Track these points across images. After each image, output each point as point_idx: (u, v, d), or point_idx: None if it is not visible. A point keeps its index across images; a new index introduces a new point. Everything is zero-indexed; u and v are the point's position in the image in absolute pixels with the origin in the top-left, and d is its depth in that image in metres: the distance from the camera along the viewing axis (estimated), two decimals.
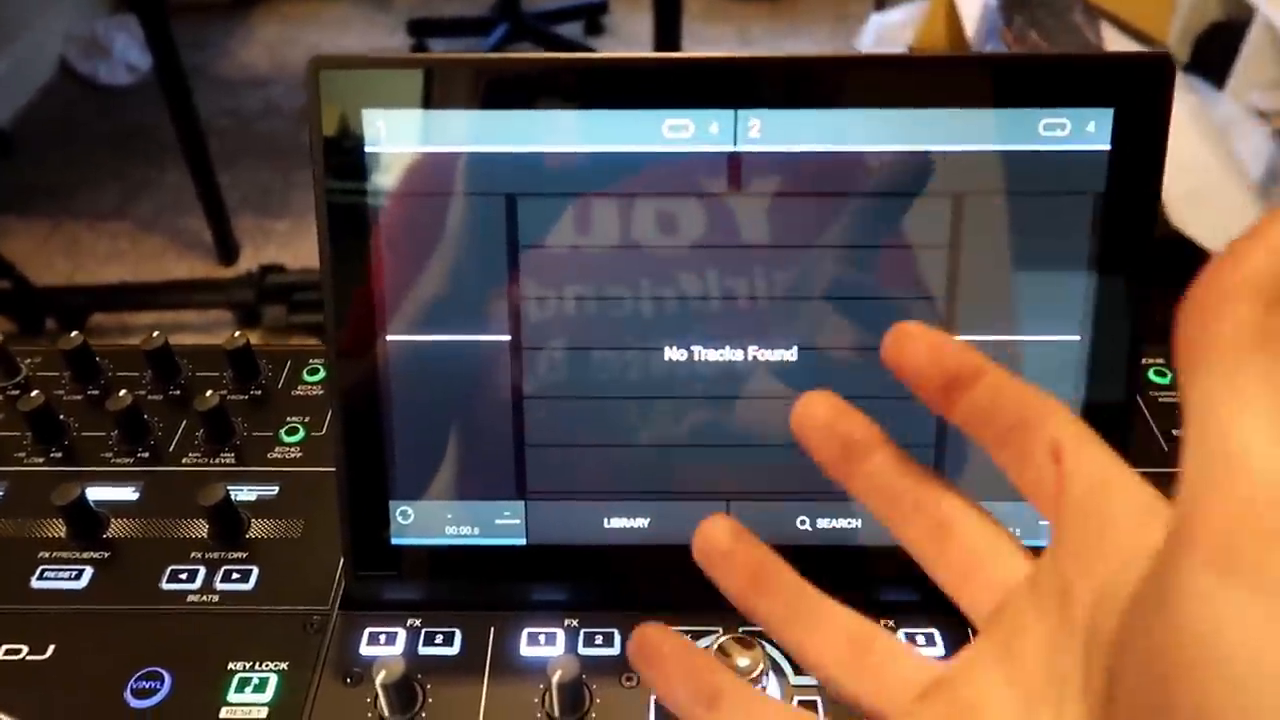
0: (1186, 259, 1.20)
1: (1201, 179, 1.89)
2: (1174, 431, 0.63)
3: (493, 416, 0.52)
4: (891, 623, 0.53)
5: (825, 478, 0.52)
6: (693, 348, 0.51)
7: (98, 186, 2.59)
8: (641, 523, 0.53)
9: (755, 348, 0.52)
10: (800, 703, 0.49)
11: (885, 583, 0.54)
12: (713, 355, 0.52)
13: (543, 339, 0.52)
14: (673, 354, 0.51)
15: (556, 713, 0.49)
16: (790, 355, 0.52)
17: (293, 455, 0.63)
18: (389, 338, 0.51)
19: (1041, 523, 0.51)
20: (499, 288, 0.51)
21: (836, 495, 0.52)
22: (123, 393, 0.63)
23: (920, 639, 0.52)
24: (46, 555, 0.57)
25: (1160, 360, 0.67)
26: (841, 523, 0.53)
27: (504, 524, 0.53)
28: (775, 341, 0.51)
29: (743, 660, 0.47)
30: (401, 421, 0.52)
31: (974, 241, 0.50)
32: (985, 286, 0.51)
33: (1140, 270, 0.50)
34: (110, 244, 2.43)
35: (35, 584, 0.55)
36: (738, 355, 0.52)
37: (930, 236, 0.50)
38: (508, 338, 0.51)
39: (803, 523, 0.53)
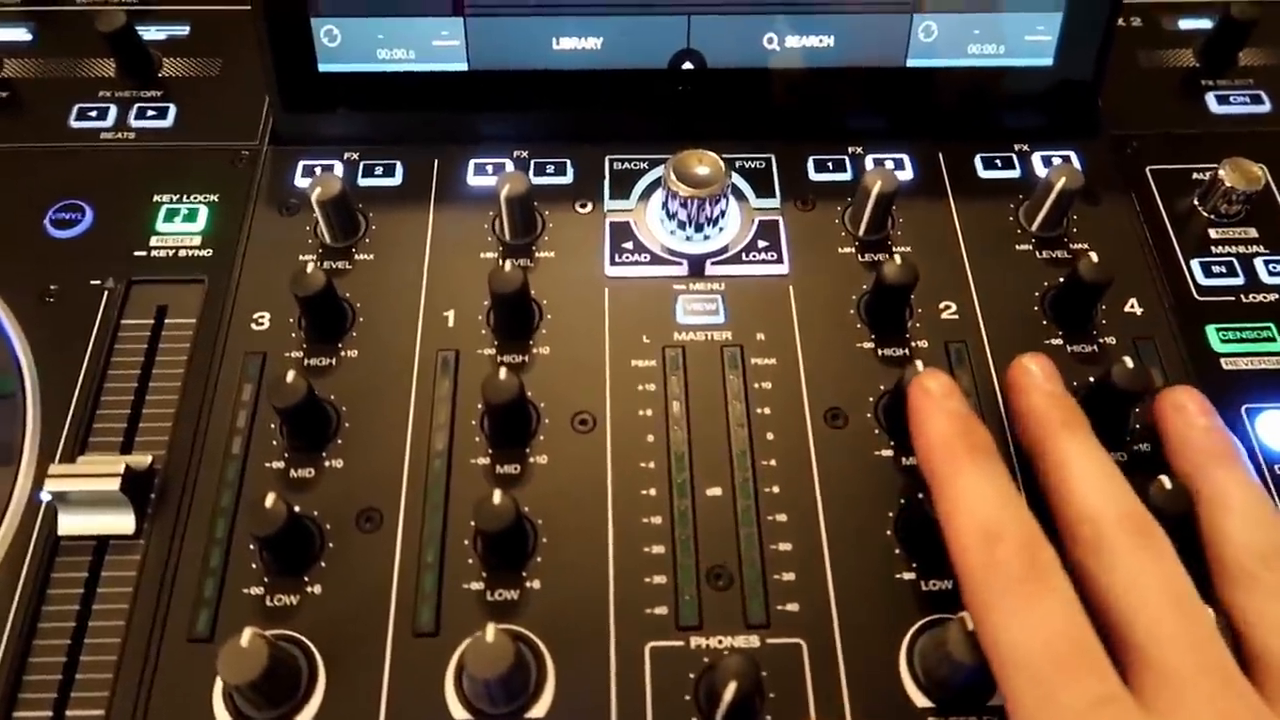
0: None
1: None
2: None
3: None
4: (859, 149, 0.50)
5: None
6: None
7: None
8: (593, 43, 0.48)
9: None
10: (760, 223, 0.47)
11: (856, 107, 0.50)
12: None
13: None
14: None
15: (508, 235, 0.47)
16: None
17: None
18: None
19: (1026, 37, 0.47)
20: None
21: (808, 8, 0.48)
22: None
23: (889, 163, 0.49)
24: None
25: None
26: (812, 40, 0.48)
27: (442, 45, 0.48)
28: None
29: (702, 169, 0.44)
30: None
31: None
32: None
33: None
34: None
35: None
36: None
37: None
38: None
39: (770, 41, 0.48)
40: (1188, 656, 0.31)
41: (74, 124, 0.50)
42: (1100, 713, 0.30)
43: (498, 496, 0.37)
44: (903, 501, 0.40)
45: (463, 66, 0.49)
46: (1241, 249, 0.46)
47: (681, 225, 0.46)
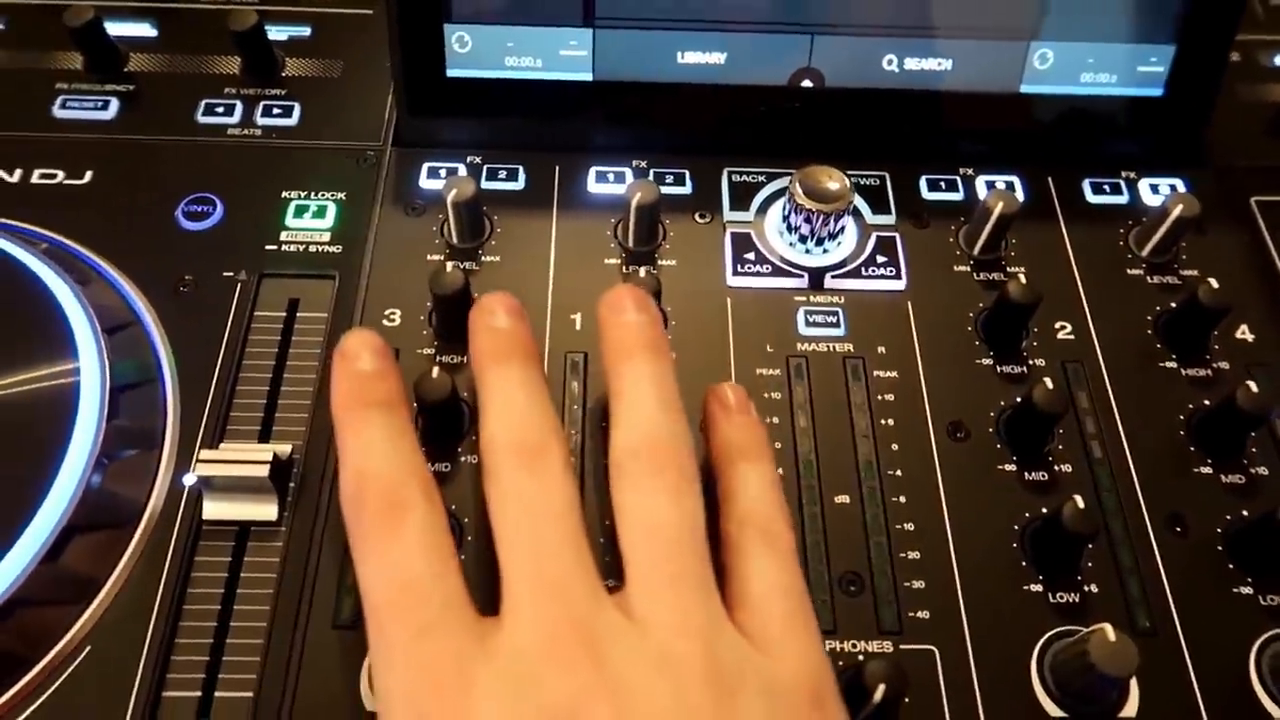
0: None
1: None
2: None
3: None
4: (970, 170, 0.51)
5: (916, 11, 0.48)
6: None
7: None
8: (717, 58, 0.49)
9: None
10: (878, 239, 0.48)
11: (969, 130, 0.51)
12: None
13: None
14: None
15: (631, 242, 0.48)
16: None
17: None
18: None
19: (1138, 68, 0.49)
20: None
21: (927, 33, 0.49)
22: None
23: (1000, 184, 0.50)
24: (65, 86, 0.52)
25: None
26: (930, 64, 0.49)
27: (569, 55, 0.49)
28: None
29: (833, 184, 0.45)
30: None
31: None
32: None
33: None
34: None
35: (58, 113, 0.51)
36: None
37: None
38: None
39: (889, 63, 0.50)
40: (528, 568, 0.32)
41: (201, 119, 0.51)
42: (423, 641, 0.31)
43: None
44: (1027, 515, 0.41)
45: (588, 76, 0.50)
46: None
47: (803, 239, 0.47)
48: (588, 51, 0.49)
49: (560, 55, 0.49)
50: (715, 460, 0.38)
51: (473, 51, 0.49)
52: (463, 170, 0.50)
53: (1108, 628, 0.35)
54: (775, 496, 0.36)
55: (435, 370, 0.40)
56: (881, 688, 0.34)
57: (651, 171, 0.50)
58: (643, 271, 0.43)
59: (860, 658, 0.37)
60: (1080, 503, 0.38)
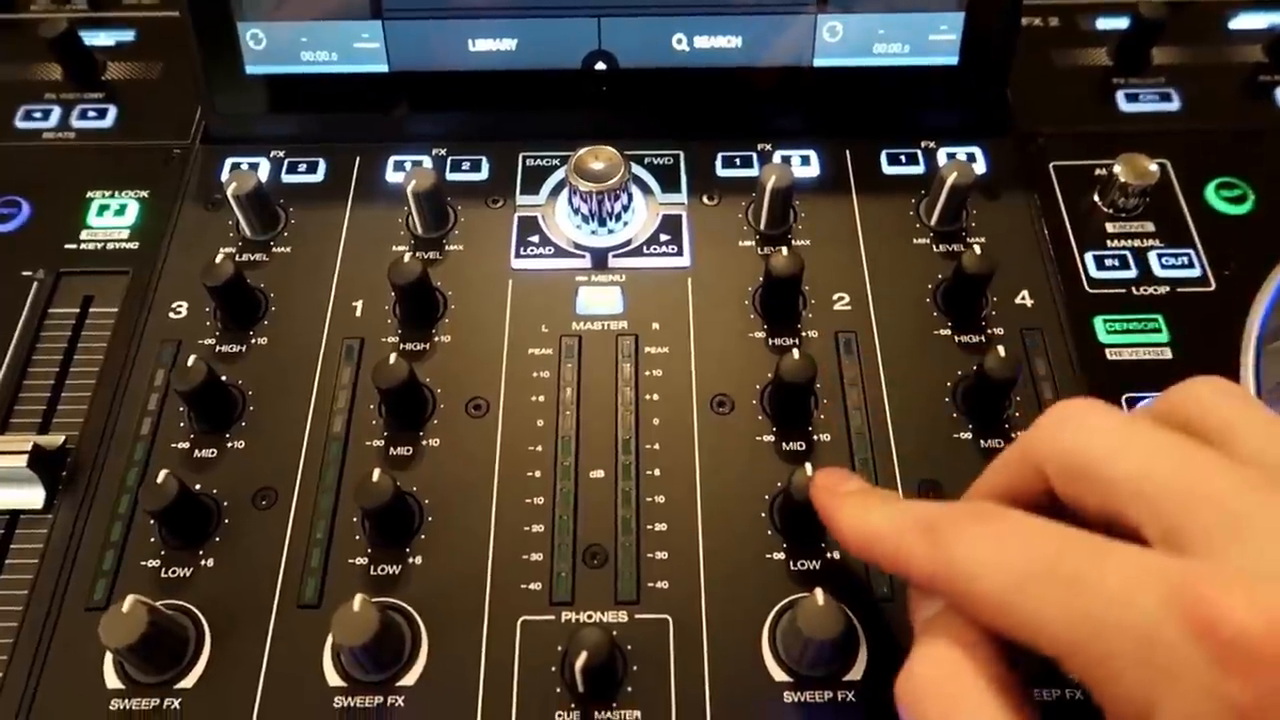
0: None
1: None
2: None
3: None
4: (768, 146, 0.51)
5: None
6: None
7: None
8: (508, 45, 0.50)
9: None
10: (664, 217, 0.49)
11: (766, 105, 0.51)
12: None
13: None
14: None
15: (420, 229, 0.48)
16: None
17: (150, 1, 0.59)
18: None
19: (930, 36, 0.48)
20: None
21: (714, 10, 0.49)
22: None
23: (796, 159, 0.50)
24: None
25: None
26: (720, 41, 0.50)
27: (363, 48, 0.50)
28: None
29: (598, 165, 0.46)
30: None
31: None
32: None
33: None
34: None
35: None
36: None
37: None
38: None
39: (679, 42, 0.50)
40: None
41: (19, 125, 0.53)
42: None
43: (376, 474, 0.38)
44: (779, 485, 0.41)
45: (383, 68, 0.50)
46: (1137, 243, 0.47)
47: (586, 219, 0.47)
48: (380, 44, 0.50)
49: (354, 48, 0.50)
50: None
51: (268, 48, 0.50)
52: (265, 164, 0.51)
53: (818, 592, 0.35)
54: None
55: (192, 359, 0.41)
56: (584, 655, 0.34)
57: (450, 159, 0.51)
58: (407, 257, 0.44)
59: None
60: (809, 470, 0.38)
